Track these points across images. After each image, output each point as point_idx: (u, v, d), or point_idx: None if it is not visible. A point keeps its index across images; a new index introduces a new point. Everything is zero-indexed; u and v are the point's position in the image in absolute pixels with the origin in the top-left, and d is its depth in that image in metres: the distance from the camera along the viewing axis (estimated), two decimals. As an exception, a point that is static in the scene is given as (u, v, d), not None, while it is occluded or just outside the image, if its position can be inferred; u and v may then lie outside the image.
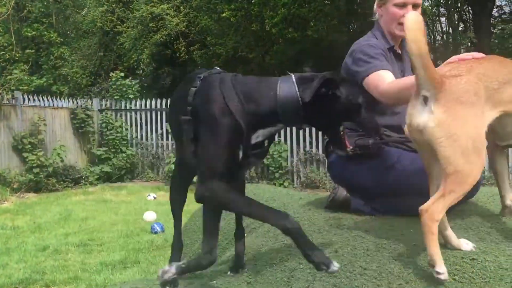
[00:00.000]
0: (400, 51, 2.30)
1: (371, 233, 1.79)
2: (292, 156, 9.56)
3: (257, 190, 3.51)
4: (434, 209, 1.43)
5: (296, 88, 1.46)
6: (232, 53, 12.41)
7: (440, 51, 13.93)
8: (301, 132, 9.39)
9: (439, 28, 15.35)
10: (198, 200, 1.50)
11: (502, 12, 14.34)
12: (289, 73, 1.54)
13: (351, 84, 1.51)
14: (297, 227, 1.39)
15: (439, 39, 15.39)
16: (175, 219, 1.87)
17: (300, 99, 1.44)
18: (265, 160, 9.44)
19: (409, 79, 1.71)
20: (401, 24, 2.19)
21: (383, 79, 1.92)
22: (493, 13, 13.50)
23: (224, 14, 11.25)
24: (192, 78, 1.61)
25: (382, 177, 2.00)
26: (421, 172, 1.89)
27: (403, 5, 2.17)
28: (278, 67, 12.76)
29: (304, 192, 8.45)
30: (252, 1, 11.43)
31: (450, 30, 14.40)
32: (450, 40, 14.59)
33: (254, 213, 1.52)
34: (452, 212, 1.97)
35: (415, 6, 2.18)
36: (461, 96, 1.45)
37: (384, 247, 1.67)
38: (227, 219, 3.24)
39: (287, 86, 1.48)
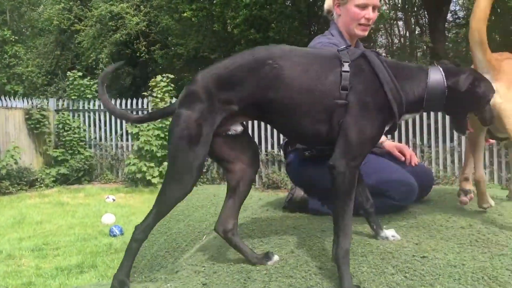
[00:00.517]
0: None
1: (327, 232, 1.80)
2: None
3: (217, 191, 3.51)
4: None
5: (444, 79, 1.57)
6: (193, 54, 12.34)
7: (397, 54, 14.31)
8: (262, 133, 9.43)
9: (397, 32, 15.78)
10: (334, 173, 1.51)
11: (456, 16, 14.85)
12: (435, 64, 1.66)
13: (484, 79, 1.63)
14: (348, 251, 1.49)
15: (397, 42, 15.81)
16: None
17: (446, 89, 1.56)
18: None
19: None
20: (361, 24, 2.24)
21: None
22: (447, 17, 13.97)
23: (185, 14, 11.18)
24: (333, 60, 1.57)
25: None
26: (377, 172, 1.94)
27: (364, 6, 2.20)
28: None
29: (266, 193, 8.49)
30: (214, 2, 11.40)
31: (407, 34, 14.82)
32: (407, 43, 15.02)
33: (343, 216, 1.52)
34: (405, 211, 2.02)
35: (374, 8, 2.23)
36: None
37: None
38: (186, 221, 3.22)
39: (437, 76, 1.58)
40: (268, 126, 9.28)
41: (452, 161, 8.50)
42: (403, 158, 2.13)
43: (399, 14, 14.88)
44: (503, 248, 1.56)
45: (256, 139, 9.47)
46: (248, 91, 1.52)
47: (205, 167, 9.63)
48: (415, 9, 13.94)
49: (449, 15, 14.28)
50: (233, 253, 1.80)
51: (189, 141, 1.51)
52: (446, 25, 14.11)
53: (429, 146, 8.64)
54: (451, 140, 8.44)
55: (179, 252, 2.86)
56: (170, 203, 1.58)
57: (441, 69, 1.60)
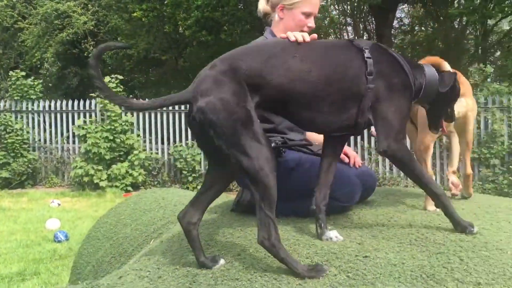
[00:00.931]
0: None
1: (274, 234, 1.82)
2: (206, 159, 9.52)
3: (166, 194, 3.46)
4: None
5: (437, 76, 1.75)
6: (144, 55, 12.14)
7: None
8: (214, 135, 9.39)
9: (346, 37, 16.16)
10: (390, 155, 1.65)
11: (402, 23, 15.41)
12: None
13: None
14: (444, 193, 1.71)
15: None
16: None
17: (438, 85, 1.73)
18: (178, 164, 9.33)
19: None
20: (304, 31, 2.28)
21: None
22: (394, 24, 14.47)
23: (135, 14, 10.98)
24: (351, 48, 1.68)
25: (284, 180, 2.04)
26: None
27: (309, 15, 2.26)
28: (192, 70, 12.70)
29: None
30: (165, 2, 11.27)
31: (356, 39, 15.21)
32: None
33: (422, 177, 1.70)
34: (349, 212, 2.07)
35: (314, 17, 2.29)
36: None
37: (286, 248, 1.70)
38: (133, 225, 3.15)
39: (431, 70, 1.76)
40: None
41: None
42: (347, 160, 2.18)
43: (348, 19, 15.26)
44: (440, 247, 1.62)
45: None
46: (276, 82, 1.56)
47: (156, 170, 9.49)
48: (363, 15, 14.33)
49: (395, 22, 14.81)
50: (179, 256, 1.78)
51: (242, 124, 1.47)
52: (392, 32, 14.61)
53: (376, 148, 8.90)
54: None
55: (125, 257, 2.80)
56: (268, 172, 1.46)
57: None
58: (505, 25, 16.36)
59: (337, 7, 13.21)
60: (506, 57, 13.38)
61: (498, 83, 8.91)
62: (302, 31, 2.26)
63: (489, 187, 8.11)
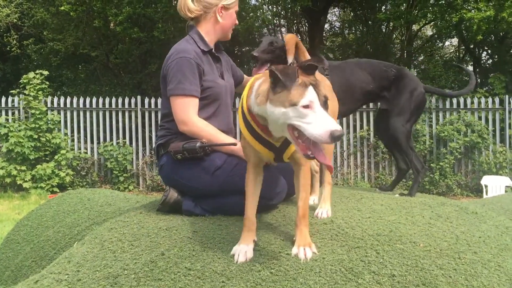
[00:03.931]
0: (216, 53, 2.36)
1: (198, 233, 1.81)
2: (137, 158, 9.31)
3: (92, 195, 3.34)
4: None
5: None
6: (72, 50, 11.63)
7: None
8: (146, 134, 9.21)
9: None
10: None
11: (333, 26, 15.88)
12: None
13: None
14: None
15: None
16: None
17: None
18: (108, 164, 9.05)
19: (215, 137, 2.11)
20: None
21: (191, 109, 2.14)
22: (326, 27, 14.88)
23: (62, 8, 10.47)
24: None
25: (210, 179, 2.04)
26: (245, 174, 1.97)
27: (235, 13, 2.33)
28: (124, 67, 12.35)
29: (149, 195, 8.29)
30: (94, -4, 10.85)
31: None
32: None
33: None
34: (275, 210, 2.10)
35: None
36: None
37: (209, 246, 1.70)
38: (56, 228, 3.02)
39: None
40: (153, 127, 9.07)
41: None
42: None
43: (282, 21, 15.48)
44: (359, 241, 1.69)
45: (140, 141, 9.21)
46: None
47: (85, 170, 9.14)
48: (296, 18, 14.61)
49: (326, 24, 15.24)
50: (100, 258, 1.73)
51: None
52: (324, 34, 15.02)
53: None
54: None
55: (47, 261, 2.68)
56: None
57: None
58: (428, 31, 17.34)
59: (270, 8, 13.36)
60: (428, 61, 14.16)
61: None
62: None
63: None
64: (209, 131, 2.11)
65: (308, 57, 2.40)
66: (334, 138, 1.34)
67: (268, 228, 1.85)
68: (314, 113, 1.39)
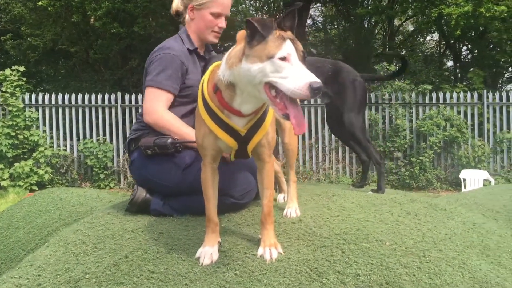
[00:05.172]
0: (203, 54, 2.36)
1: (164, 234, 1.78)
2: (118, 155, 9.21)
3: (65, 194, 3.29)
4: None
5: None
6: (51, 46, 11.44)
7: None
8: (127, 130, 9.11)
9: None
10: None
11: (315, 21, 15.90)
12: None
13: None
14: None
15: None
16: None
17: None
18: (88, 161, 8.94)
19: (180, 130, 2.08)
20: (215, 32, 2.28)
21: (161, 102, 2.11)
22: (308, 22, 14.89)
23: (40, 3, 10.28)
24: None
25: (180, 176, 2.01)
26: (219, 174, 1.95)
27: (218, 16, 2.26)
28: (104, 62, 12.19)
29: (129, 193, 8.20)
30: (73, -9, 10.68)
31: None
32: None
33: None
34: (244, 209, 2.08)
35: (225, 17, 2.30)
36: None
37: (174, 248, 1.67)
38: (26, 228, 2.96)
39: None
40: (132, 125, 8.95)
41: (311, 157, 9.06)
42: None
43: (265, 16, 15.47)
44: (325, 240, 1.67)
45: (120, 138, 9.11)
46: None
47: (64, 168, 9.01)
48: (279, 13, 14.57)
49: (309, 20, 15.26)
50: (62, 262, 1.69)
51: None
52: (306, 29, 15.03)
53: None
54: (310, 137, 9.00)
55: (17, 262, 2.62)
56: None
57: None
58: (409, 26, 17.47)
59: (252, 3, 13.32)
60: (409, 56, 14.26)
61: (402, 81, 9.47)
62: (213, 31, 2.26)
63: (393, 178, 8.62)
64: (174, 124, 2.08)
65: None
66: (313, 90, 1.27)
67: (236, 229, 1.83)
68: (291, 66, 1.33)
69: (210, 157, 1.64)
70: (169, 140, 2.00)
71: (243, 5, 11.77)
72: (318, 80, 1.28)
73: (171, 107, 2.14)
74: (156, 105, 2.10)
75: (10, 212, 3.17)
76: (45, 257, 1.76)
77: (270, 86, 1.37)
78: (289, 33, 1.40)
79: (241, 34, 1.47)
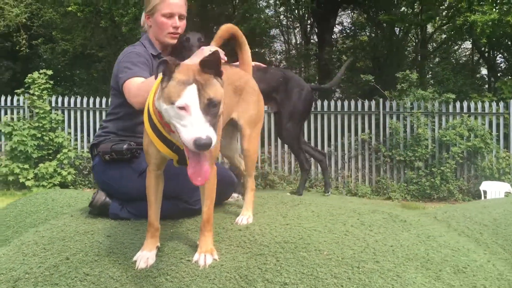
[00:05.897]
0: None
1: (110, 238, 1.81)
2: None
3: (58, 196, 3.39)
4: None
5: None
6: (80, 50, 11.80)
7: (292, 61, 14.84)
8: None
9: (293, 40, 16.37)
10: None
11: (342, 28, 15.77)
12: None
13: None
14: None
15: (293, 50, 16.40)
16: None
17: None
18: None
19: (148, 80, 1.98)
20: (170, 33, 2.30)
21: (135, 83, 2.01)
22: (338, 29, 14.81)
23: (70, 8, 10.63)
24: None
25: (136, 181, 2.04)
26: (173, 178, 1.97)
27: (170, 16, 2.28)
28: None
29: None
30: (101, -3, 10.98)
31: (303, 42, 15.41)
32: (303, 51, 15.64)
33: None
34: (198, 215, 2.08)
35: (180, 17, 2.30)
36: None
37: (115, 251, 1.70)
38: (15, 228, 3.06)
39: None
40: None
41: (330, 165, 8.95)
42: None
43: (297, 23, 15.45)
44: (263, 248, 1.66)
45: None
46: None
47: (87, 169, 9.26)
48: (305, 20, 14.56)
49: (338, 27, 15.16)
50: (11, 261, 1.74)
51: None
52: (334, 36, 14.92)
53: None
54: (329, 145, 8.91)
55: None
56: None
57: None
58: (443, 34, 17.05)
59: (277, 10, 13.34)
60: (440, 64, 13.93)
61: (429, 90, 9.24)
62: (169, 33, 2.28)
63: (413, 188, 8.41)
64: (147, 84, 1.99)
65: (248, 51, 2.28)
66: (198, 146, 1.28)
67: (183, 234, 1.84)
68: (189, 116, 1.32)
69: (154, 165, 1.68)
70: (125, 146, 2.04)
71: (264, 11, 11.78)
72: (205, 136, 1.28)
73: (136, 113, 2.15)
74: (133, 87, 2.03)
75: (4, 211, 3.29)
76: (-1, 256, 1.82)
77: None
78: (205, 76, 1.38)
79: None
